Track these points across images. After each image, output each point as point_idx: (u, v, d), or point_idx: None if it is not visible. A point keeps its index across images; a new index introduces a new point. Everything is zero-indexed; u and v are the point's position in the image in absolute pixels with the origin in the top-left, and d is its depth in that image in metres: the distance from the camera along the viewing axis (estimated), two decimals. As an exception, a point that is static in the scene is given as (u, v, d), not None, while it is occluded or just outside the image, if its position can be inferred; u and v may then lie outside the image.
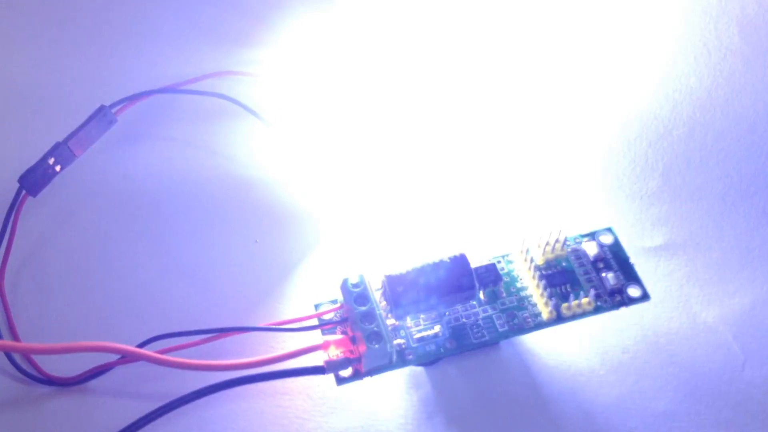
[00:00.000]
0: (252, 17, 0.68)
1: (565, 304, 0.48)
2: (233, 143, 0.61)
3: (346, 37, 0.65)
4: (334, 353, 0.46)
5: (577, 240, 0.51)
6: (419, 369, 0.50)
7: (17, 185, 0.55)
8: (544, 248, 0.50)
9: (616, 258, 0.50)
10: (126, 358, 0.48)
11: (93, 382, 0.50)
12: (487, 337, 0.48)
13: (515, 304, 0.49)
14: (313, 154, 0.59)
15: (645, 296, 0.49)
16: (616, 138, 0.60)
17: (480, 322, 0.48)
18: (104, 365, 0.49)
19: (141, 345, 0.49)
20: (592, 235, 0.51)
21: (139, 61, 0.66)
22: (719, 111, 0.61)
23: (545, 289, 0.48)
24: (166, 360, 0.45)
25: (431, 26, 0.68)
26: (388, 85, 0.63)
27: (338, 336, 0.47)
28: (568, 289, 0.49)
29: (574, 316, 0.48)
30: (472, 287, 0.47)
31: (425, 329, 0.48)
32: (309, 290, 0.54)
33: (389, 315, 0.47)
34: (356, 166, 0.59)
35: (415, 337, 0.48)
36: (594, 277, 0.50)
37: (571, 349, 0.51)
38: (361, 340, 0.45)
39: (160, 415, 0.46)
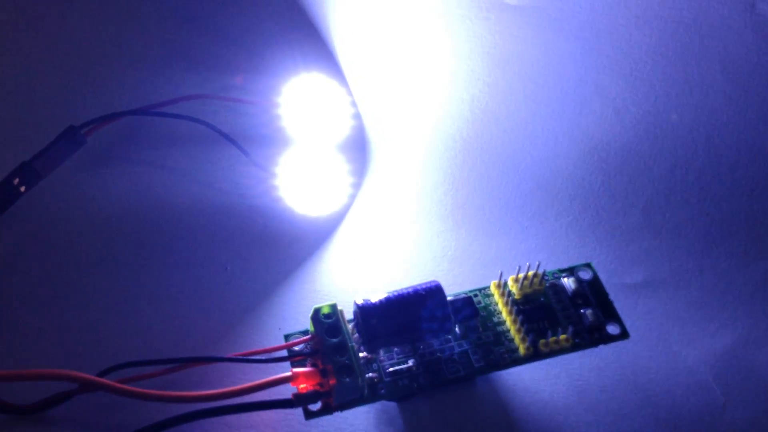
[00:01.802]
0: (228, 42, 0.68)
1: (542, 341, 0.47)
2: (205, 168, 0.60)
3: (325, 66, 0.65)
4: (304, 386, 0.45)
5: (556, 275, 0.50)
6: (391, 404, 0.49)
7: (-21, 205, 0.54)
8: (522, 282, 0.49)
9: (595, 294, 0.49)
10: (85, 386, 0.47)
11: (50, 412, 0.48)
12: (462, 373, 0.47)
13: (492, 339, 0.48)
14: (287, 179, 0.57)
15: (624, 334, 0.48)
16: (596, 173, 0.60)
17: (455, 356, 0.47)
18: (63, 394, 0.48)
19: (101, 374, 0.47)
20: (571, 271, 0.50)
21: (111, 82, 0.65)
22: (701, 148, 0.61)
23: (522, 324, 0.48)
24: (127, 390, 0.44)
25: (423, 44, 0.67)
26: (362, 109, 0.63)
27: (308, 368, 0.46)
28: (546, 325, 0.48)
29: (552, 353, 0.47)
30: (448, 320, 0.46)
31: (398, 363, 0.47)
32: (279, 320, 0.53)
33: (361, 347, 0.46)
34: (330, 192, 0.58)
35: (388, 370, 0.47)
36: (572, 314, 0.49)
37: (548, 386, 0.50)
38: (331, 373, 0.44)
39: (119, 447, 0.44)
